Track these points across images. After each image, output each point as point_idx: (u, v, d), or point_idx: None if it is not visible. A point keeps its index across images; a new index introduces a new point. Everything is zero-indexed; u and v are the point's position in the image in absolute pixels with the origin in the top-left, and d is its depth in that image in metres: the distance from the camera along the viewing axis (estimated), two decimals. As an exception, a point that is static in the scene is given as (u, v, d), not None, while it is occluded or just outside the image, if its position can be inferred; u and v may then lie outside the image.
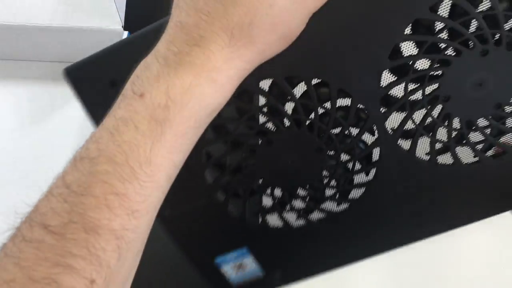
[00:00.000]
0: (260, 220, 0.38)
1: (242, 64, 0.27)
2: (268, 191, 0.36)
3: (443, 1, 0.30)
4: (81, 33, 0.60)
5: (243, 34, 0.26)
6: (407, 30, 0.30)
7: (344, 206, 0.37)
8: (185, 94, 0.26)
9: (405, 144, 0.35)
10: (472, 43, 0.30)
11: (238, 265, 0.40)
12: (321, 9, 0.28)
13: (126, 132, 0.25)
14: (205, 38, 0.26)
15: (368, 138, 0.35)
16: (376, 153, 0.35)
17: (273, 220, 0.38)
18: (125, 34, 0.60)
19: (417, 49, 0.31)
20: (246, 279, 0.41)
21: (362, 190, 0.36)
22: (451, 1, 0.29)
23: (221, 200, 0.36)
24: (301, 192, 0.36)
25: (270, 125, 0.33)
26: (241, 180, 0.36)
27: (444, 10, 0.30)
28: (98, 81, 0.33)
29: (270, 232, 0.38)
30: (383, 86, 0.32)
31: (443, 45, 0.31)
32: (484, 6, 0.29)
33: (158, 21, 0.32)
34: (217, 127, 0.34)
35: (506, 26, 0.30)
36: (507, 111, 0.33)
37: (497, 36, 0.30)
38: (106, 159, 0.25)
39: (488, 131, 0.34)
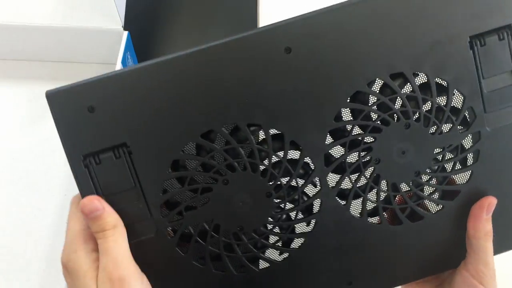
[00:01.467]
0: (204, 263, 0.39)
1: None
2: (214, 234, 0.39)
3: (376, 80, 0.38)
4: (81, 33, 0.61)
5: None
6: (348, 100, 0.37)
7: (284, 255, 0.40)
8: None
9: (342, 201, 0.40)
10: (397, 117, 0.38)
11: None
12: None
13: None
14: None
15: (311, 190, 0.39)
16: (317, 205, 0.39)
17: (217, 266, 0.40)
18: (125, 34, 0.61)
19: (352, 118, 0.38)
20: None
21: (302, 240, 0.40)
22: (383, 81, 0.38)
23: (170, 238, 0.38)
24: (245, 237, 0.39)
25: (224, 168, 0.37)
26: (191, 218, 0.38)
27: (377, 87, 0.38)
28: (77, 106, 0.36)
29: (210, 277, 0.39)
30: (327, 143, 0.38)
31: (375, 115, 0.38)
32: (408, 88, 0.38)
33: (144, 62, 0.36)
34: (176, 164, 0.38)
35: (424, 108, 0.38)
36: (424, 179, 0.40)
37: (417, 114, 0.38)
38: None
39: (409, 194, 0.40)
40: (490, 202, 0.39)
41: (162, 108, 0.36)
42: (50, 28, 0.60)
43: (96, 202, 0.36)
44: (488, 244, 0.39)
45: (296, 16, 0.36)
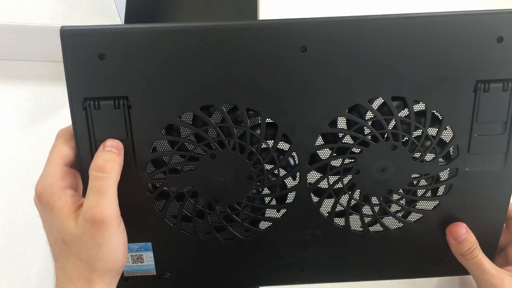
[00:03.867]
0: (174, 223, 0.42)
1: None
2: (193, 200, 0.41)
3: (377, 98, 0.39)
4: None
5: None
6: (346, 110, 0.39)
7: (250, 233, 0.43)
8: None
9: (315, 198, 0.42)
10: (387, 136, 0.39)
11: (138, 256, 0.43)
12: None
13: None
14: None
15: (290, 182, 0.42)
16: (291, 197, 0.42)
17: (186, 227, 0.42)
18: None
19: (346, 126, 0.40)
20: (138, 271, 0.43)
21: (269, 224, 0.42)
22: (383, 101, 0.39)
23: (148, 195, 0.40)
24: (219, 208, 0.41)
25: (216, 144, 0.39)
26: (173, 180, 0.40)
27: (376, 104, 0.39)
28: (89, 49, 0.36)
29: (177, 236, 0.42)
30: (317, 145, 0.40)
31: (368, 130, 0.40)
32: (404, 113, 0.39)
33: (164, 24, 0.37)
34: (171, 128, 0.39)
35: (414, 134, 0.40)
36: (394, 198, 0.42)
37: (406, 138, 0.40)
38: None
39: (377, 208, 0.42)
40: (452, 230, 0.43)
41: (170, 73, 0.37)
42: (50, 28, 0.59)
43: (121, 144, 0.38)
44: (473, 262, 0.42)
45: (318, 18, 0.37)
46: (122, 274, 0.43)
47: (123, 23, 0.60)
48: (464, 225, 0.43)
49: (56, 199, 0.37)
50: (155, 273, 0.44)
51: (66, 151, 0.38)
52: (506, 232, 0.46)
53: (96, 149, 0.38)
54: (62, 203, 0.37)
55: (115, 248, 0.37)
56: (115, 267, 0.38)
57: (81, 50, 0.36)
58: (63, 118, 0.57)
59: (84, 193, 0.38)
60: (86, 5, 0.60)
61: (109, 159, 0.37)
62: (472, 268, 0.43)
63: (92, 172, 0.37)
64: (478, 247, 0.43)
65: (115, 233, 0.37)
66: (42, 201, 0.38)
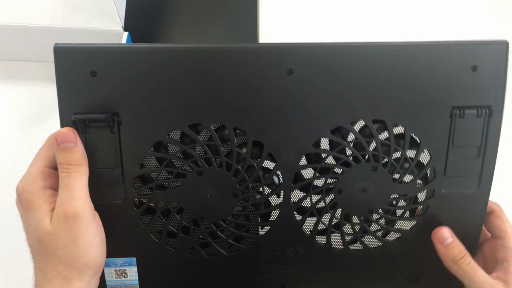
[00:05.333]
0: (159, 238, 0.42)
1: None
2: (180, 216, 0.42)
3: (358, 121, 0.41)
4: (81, 34, 0.61)
5: None
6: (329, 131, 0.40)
7: (234, 249, 0.43)
8: None
9: (298, 216, 0.43)
10: (367, 158, 0.41)
11: (122, 271, 0.43)
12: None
13: None
14: None
15: (274, 200, 0.43)
16: (275, 214, 0.43)
17: (171, 242, 0.43)
18: (125, 35, 0.61)
19: (329, 147, 0.42)
20: (122, 286, 0.44)
21: (252, 240, 0.43)
22: (364, 123, 0.41)
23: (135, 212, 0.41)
24: (204, 224, 0.42)
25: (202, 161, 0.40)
26: (160, 196, 0.41)
27: (358, 126, 0.41)
28: (81, 66, 0.37)
29: (162, 251, 0.43)
30: (301, 164, 0.41)
31: (349, 151, 0.41)
32: (384, 135, 0.41)
33: (154, 44, 0.38)
34: (159, 145, 0.40)
35: (394, 155, 0.41)
36: (374, 217, 0.44)
37: (385, 160, 0.41)
38: None
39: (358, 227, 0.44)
40: (437, 234, 0.43)
41: (161, 91, 0.38)
42: (50, 28, 0.60)
43: (71, 134, 0.38)
44: (466, 269, 0.41)
45: (304, 43, 0.39)
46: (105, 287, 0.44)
47: (123, 23, 0.61)
48: (448, 228, 0.43)
49: (35, 198, 0.37)
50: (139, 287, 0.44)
51: (51, 153, 0.39)
52: (483, 230, 0.46)
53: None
54: (40, 202, 0.37)
55: (91, 241, 0.37)
56: (94, 263, 0.38)
57: (74, 67, 0.37)
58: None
59: None
60: (86, 6, 0.61)
61: (67, 155, 0.37)
62: (466, 276, 0.42)
63: (59, 170, 0.38)
64: (469, 254, 0.42)
65: (90, 226, 0.37)
66: (22, 200, 0.38)
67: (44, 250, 0.37)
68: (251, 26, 0.62)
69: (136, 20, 0.61)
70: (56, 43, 0.37)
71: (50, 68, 0.67)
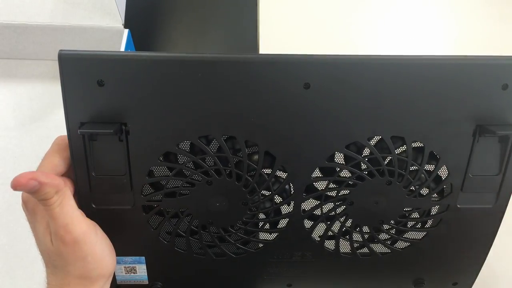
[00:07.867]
0: (168, 240, 0.43)
1: None
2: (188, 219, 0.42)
3: (374, 137, 0.39)
4: (82, 32, 0.60)
5: None
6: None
7: (242, 251, 0.44)
8: None
9: (308, 224, 0.43)
10: (382, 171, 0.40)
11: (131, 268, 0.44)
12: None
13: None
14: None
15: (284, 208, 0.42)
16: (283, 223, 0.43)
17: (179, 243, 0.43)
18: (126, 32, 0.60)
19: (344, 161, 0.40)
20: (131, 280, 0.45)
21: (261, 245, 0.43)
22: (380, 138, 0.39)
23: (143, 214, 0.41)
24: (213, 229, 0.42)
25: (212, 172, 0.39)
26: (168, 203, 0.40)
27: (375, 140, 0.39)
28: (88, 76, 0.35)
29: (170, 252, 0.43)
30: (313, 177, 0.40)
31: (364, 166, 0.40)
32: (401, 149, 0.39)
33: (164, 53, 0.36)
34: (168, 154, 0.39)
35: (411, 168, 0.40)
36: (385, 228, 0.43)
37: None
38: None
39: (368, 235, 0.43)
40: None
41: (170, 102, 0.36)
42: (51, 27, 0.59)
43: (30, 182, 0.33)
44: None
45: (323, 55, 0.36)
46: (115, 281, 0.45)
47: (123, 21, 0.59)
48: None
49: (38, 210, 0.37)
50: (147, 283, 0.45)
51: (57, 161, 0.38)
52: None
53: (94, 173, 0.38)
54: (43, 214, 0.37)
55: (101, 255, 0.38)
56: (108, 272, 0.39)
57: (80, 76, 0.35)
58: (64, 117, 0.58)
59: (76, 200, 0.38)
60: (86, 4, 0.58)
61: (37, 195, 0.34)
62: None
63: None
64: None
65: (95, 242, 0.37)
66: (28, 208, 0.37)
67: (53, 263, 0.37)
68: (251, 21, 0.59)
69: (137, 18, 0.59)
70: (60, 50, 0.35)
71: (50, 66, 0.66)
